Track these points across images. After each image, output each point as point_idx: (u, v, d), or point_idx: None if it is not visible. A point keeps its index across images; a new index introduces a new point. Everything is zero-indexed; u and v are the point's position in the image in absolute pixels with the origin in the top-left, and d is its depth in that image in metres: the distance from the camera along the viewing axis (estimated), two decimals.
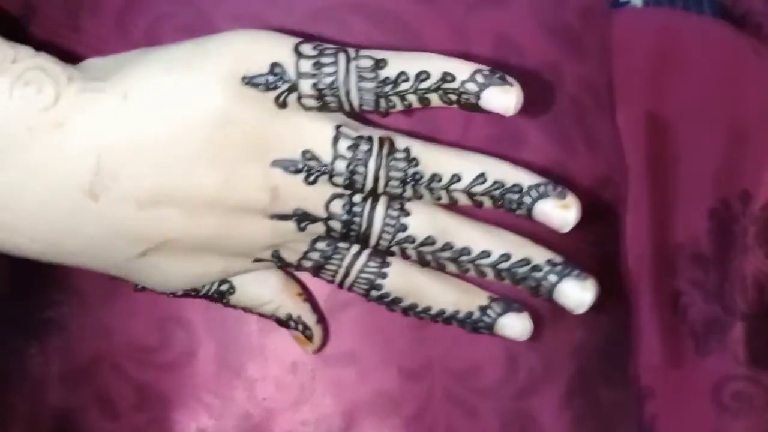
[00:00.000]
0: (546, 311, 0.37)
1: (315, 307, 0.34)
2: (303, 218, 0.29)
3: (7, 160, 0.27)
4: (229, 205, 0.28)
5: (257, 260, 0.31)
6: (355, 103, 0.28)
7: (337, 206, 0.29)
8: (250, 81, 0.28)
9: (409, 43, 0.36)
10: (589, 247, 0.39)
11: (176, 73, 0.28)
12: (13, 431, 0.37)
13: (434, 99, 0.28)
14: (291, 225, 0.29)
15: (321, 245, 0.30)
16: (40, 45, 0.38)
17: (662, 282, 0.46)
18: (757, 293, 0.47)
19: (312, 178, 0.28)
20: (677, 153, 0.47)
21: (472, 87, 0.27)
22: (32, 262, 0.36)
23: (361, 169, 0.28)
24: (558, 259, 0.30)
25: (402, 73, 0.28)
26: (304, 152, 0.28)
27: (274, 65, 0.28)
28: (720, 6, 0.51)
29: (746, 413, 0.46)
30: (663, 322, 0.46)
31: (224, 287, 0.32)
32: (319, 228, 0.29)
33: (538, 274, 0.29)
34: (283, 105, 0.28)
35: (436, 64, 0.28)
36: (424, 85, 0.28)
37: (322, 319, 0.34)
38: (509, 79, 0.28)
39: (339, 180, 0.28)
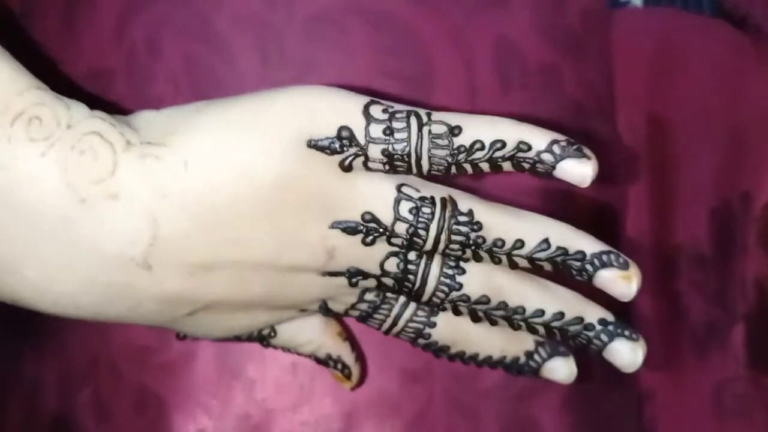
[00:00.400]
0: None
1: (354, 346, 0.34)
2: (355, 275, 0.28)
3: (56, 234, 0.25)
4: (282, 266, 0.28)
5: (303, 311, 0.31)
6: (425, 168, 0.27)
7: (391, 265, 0.28)
8: (315, 145, 0.26)
9: (409, 45, 0.36)
10: None
11: (238, 136, 0.26)
12: None
13: (507, 166, 0.27)
14: (342, 281, 0.29)
15: (370, 296, 0.30)
16: (38, 47, 0.38)
17: (663, 283, 0.46)
18: (757, 295, 0.47)
19: (370, 239, 0.27)
20: (677, 153, 0.47)
21: (548, 158, 0.26)
22: None
23: (422, 233, 0.27)
24: (610, 317, 0.29)
25: (477, 141, 0.27)
26: (364, 214, 0.27)
27: (342, 129, 0.26)
28: (720, 7, 0.51)
29: (747, 415, 0.46)
30: (663, 324, 0.46)
31: (266, 332, 0.32)
32: (370, 283, 0.29)
33: (590, 334, 0.29)
34: (348, 169, 0.27)
35: (512, 132, 0.27)
36: (499, 153, 0.27)
37: (360, 357, 0.34)
38: (586, 151, 0.27)
39: (397, 242, 0.28)
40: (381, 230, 0.27)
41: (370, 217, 0.27)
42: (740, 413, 0.46)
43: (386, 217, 0.27)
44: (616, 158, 0.44)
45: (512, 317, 0.29)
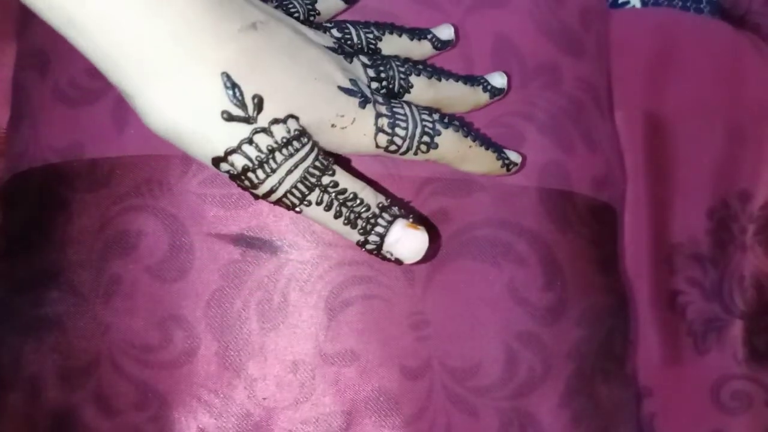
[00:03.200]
0: (546, 311, 0.37)
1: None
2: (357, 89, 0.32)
3: None
4: (314, 57, 0.31)
5: (342, 89, 0.32)
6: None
7: (364, 58, 0.34)
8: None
9: None
10: (589, 247, 0.39)
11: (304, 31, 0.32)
12: (9, 430, 0.37)
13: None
14: (358, 63, 0.33)
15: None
16: (39, 46, 0.38)
17: (661, 281, 0.46)
18: (756, 292, 0.47)
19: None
20: (676, 153, 0.47)
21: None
22: (29, 259, 0.37)
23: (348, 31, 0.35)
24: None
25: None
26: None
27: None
28: (719, 6, 0.51)
29: (745, 411, 0.46)
30: (662, 321, 0.46)
31: (328, 159, 0.31)
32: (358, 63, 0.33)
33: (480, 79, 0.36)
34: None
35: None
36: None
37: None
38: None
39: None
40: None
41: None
42: (739, 409, 0.46)
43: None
44: (614, 157, 0.44)
45: (439, 74, 0.35)
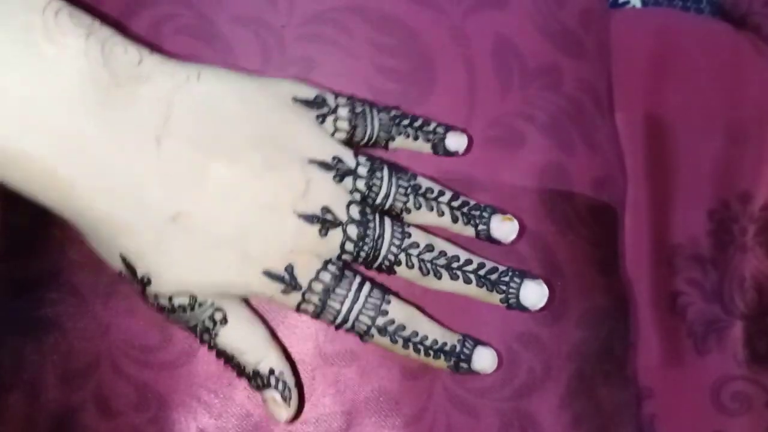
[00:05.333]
0: (546, 311, 0.37)
1: (295, 372, 0.34)
2: (326, 220, 0.31)
3: (93, 104, 0.29)
4: (261, 192, 0.30)
5: (268, 273, 0.31)
6: (376, 130, 0.35)
7: (355, 211, 0.32)
8: (299, 100, 0.33)
9: (408, 45, 0.36)
10: (589, 248, 0.39)
11: (244, 77, 0.32)
12: (9, 430, 0.36)
13: (420, 137, 0.36)
14: (313, 231, 0.31)
15: (332, 267, 0.32)
16: None
17: (661, 282, 0.46)
18: (756, 293, 0.47)
19: (339, 178, 0.32)
20: (676, 153, 0.47)
21: (440, 130, 0.36)
22: (29, 260, 0.36)
23: (378, 174, 0.33)
24: (513, 267, 0.34)
25: (403, 113, 0.36)
26: (334, 157, 0.32)
27: (318, 95, 0.34)
28: (719, 7, 0.51)
29: (746, 413, 0.46)
30: (662, 322, 0.46)
31: (218, 316, 0.32)
32: (336, 238, 0.32)
33: (507, 278, 0.33)
34: (321, 122, 0.33)
35: (415, 115, 0.36)
36: (416, 123, 0.36)
37: (299, 385, 0.34)
38: (460, 130, 0.36)
39: (361, 184, 0.33)
40: (347, 169, 0.32)
41: (338, 161, 0.32)
42: (739, 410, 0.46)
43: (350, 162, 0.33)
44: (614, 157, 0.44)
45: (451, 266, 0.33)
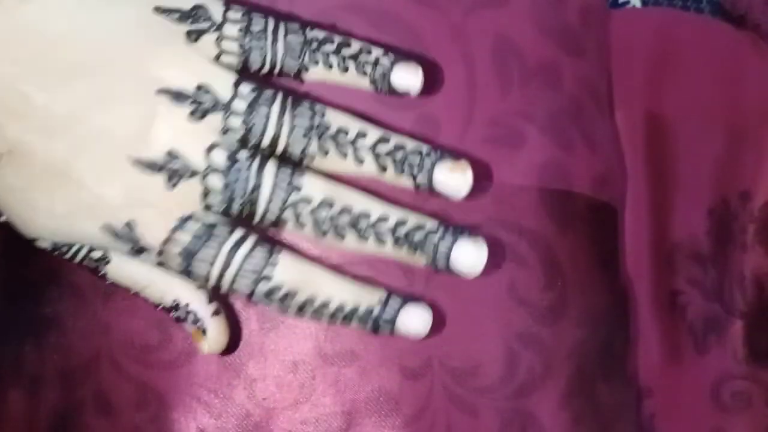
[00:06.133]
0: (546, 311, 0.37)
1: (216, 296, 0.30)
2: (173, 168, 0.26)
3: None
4: (91, 127, 0.26)
5: (108, 229, 0.27)
6: (280, 53, 0.27)
7: (219, 156, 0.26)
8: (163, 10, 0.27)
9: (408, 44, 0.36)
10: (589, 247, 0.39)
11: None
12: (9, 429, 0.36)
13: (351, 68, 0.28)
14: (158, 180, 0.26)
15: (193, 225, 0.26)
16: None
17: (661, 281, 0.46)
18: (756, 291, 0.47)
19: (200, 114, 0.26)
20: (676, 152, 0.47)
21: (385, 61, 0.28)
22: (29, 258, 0.36)
23: (263, 109, 0.26)
24: (447, 223, 0.28)
25: (327, 37, 0.28)
26: (200, 86, 0.26)
27: (196, 6, 0.27)
28: (719, 6, 0.51)
29: (746, 411, 0.46)
30: (662, 321, 0.46)
31: (96, 254, 0.28)
32: (193, 191, 0.26)
33: (435, 237, 0.27)
34: (195, 40, 0.27)
35: (354, 40, 0.29)
36: (346, 51, 0.28)
37: (225, 309, 0.30)
38: (414, 63, 0.28)
39: (236, 122, 0.26)
40: (214, 104, 0.26)
41: (205, 90, 0.26)
42: (739, 409, 0.46)
43: (223, 93, 0.26)
44: (614, 156, 0.44)
45: (358, 225, 0.27)
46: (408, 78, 0.28)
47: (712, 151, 0.47)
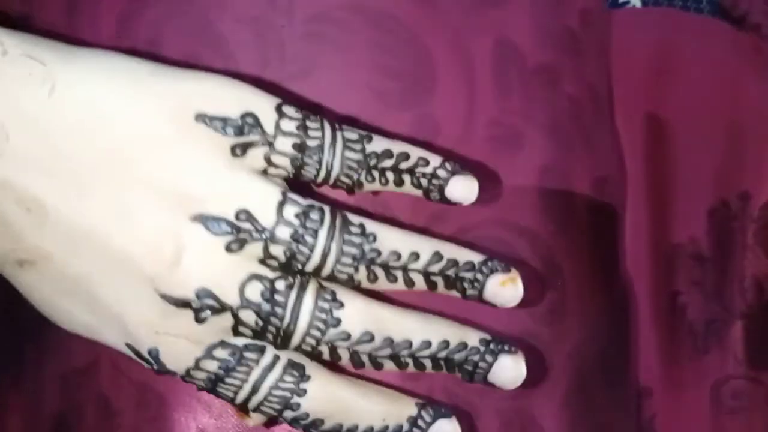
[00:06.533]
0: (546, 311, 0.37)
1: None
2: (204, 306, 0.24)
3: None
4: (114, 249, 0.24)
5: (130, 348, 0.26)
6: (335, 172, 0.26)
7: (254, 291, 0.24)
8: (205, 119, 0.24)
9: (409, 44, 0.36)
10: (589, 247, 0.39)
11: (123, 84, 0.24)
12: (9, 431, 0.36)
13: (407, 180, 0.27)
14: (186, 315, 0.24)
15: (221, 353, 0.25)
16: None
17: (661, 282, 0.46)
18: (756, 292, 0.47)
19: (238, 245, 0.24)
20: (676, 153, 0.47)
21: (442, 173, 0.27)
22: None
23: (309, 239, 0.24)
24: (489, 336, 0.28)
25: (387, 150, 0.27)
26: (240, 212, 0.24)
27: (246, 114, 0.24)
28: (719, 6, 0.51)
29: (746, 412, 0.46)
30: (662, 322, 0.46)
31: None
32: (224, 322, 0.25)
33: (476, 357, 0.27)
34: (240, 154, 0.24)
35: (413, 150, 0.27)
36: (404, 165, 0.27)
37: None
38: (470, 174, 0.28)
39: (278, 251, 0.24)
40: (255, 234, 0.24)
41: (245, 217, 0.24)
42: (739, 411, 0.46)
43: (267, 219, 0.24)
44: (614, 157, 0.44)
45: (399, 354, 0.26)
46: (464, 192, 0.27)
47: (712, 151, 0.47)
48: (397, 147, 0.27)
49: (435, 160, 0.27)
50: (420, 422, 0.27)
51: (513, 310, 0.33)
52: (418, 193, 0.27)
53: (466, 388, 0.35)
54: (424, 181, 0.26)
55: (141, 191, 0.23)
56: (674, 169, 0.47)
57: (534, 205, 0.37)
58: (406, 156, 0.27)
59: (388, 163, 0.26)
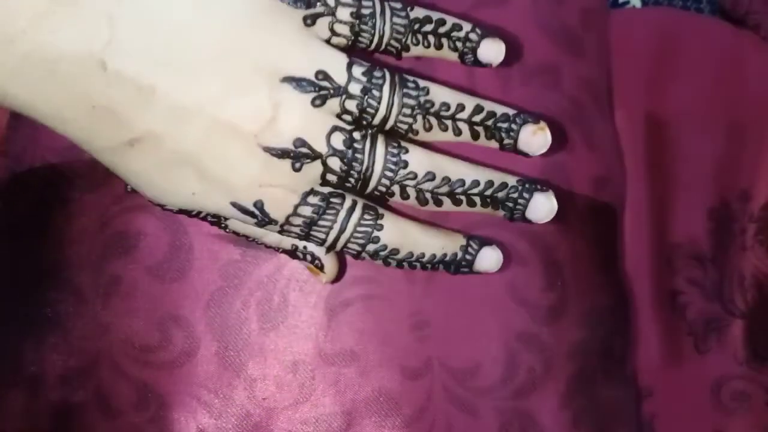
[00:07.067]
0: (546, 311, 0.37)
1: None
2: (300, 154, 0.28)
3: (23, 28, 0.26)
4: (221, 116, 0.27)
5: (236, 205, 0.29)
6: (386, 36, 0.30)
7: (338, 140, 0.29)
8: None
9: None
10: (589, 247, 0.39)
11: None
12: (9, 430, 0.36)
13: (445, 44, 0.30)
14: (285, 165, 0.28)
15: (314, 199, 0.29)
16: None
17: (661, 281, 0.46)
18: (756, 292, 0.47)
19: (320, 100, 0.28)
20: (676, 153, 0.47)
21: (474, 36, 0.30)
22: (30, 259, 0.36)
23: (376, 93, 0.29)
24: (523, 178, 0.32)
25: (427, 16, 0.30)
26: (318, 72, 0.28)
27: None
28: (719, 6, 0.51)
29: (745, 412, 0.46)
30: (662, 321, 0.46)
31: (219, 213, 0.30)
32: (315, 171, 0.29)
33: (515, 194, 0.31)
34: (311, 24, 0.29)
35: (447, 16, 0.31)
36: (442, 29, 0.30)
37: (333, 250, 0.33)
38: (498, 38, 0.31)
39: (351, 105, 0.29)
40: (333, 90, 0.28)
41: (323, 76, 0.28)
42: (739, 409, 0.46)
43: (340, 77, 0.28)
44: (614, 157, 0.44)
45: (455, 191, 0.30)
46: (492, 52, 0.30)
47: (712, 151, 0.47)
48: (435, 14, 0.30)
49: (467, 25, 0.31)
50: (470, 249, 0.31)
51: (513, 310, 0.33)
52: (454, 56, 0.31)
53: (466, 388, 0.35)
54: (459, 44, 0.30)
55: (237, 63, 0.27)
56: (674, 169, 0.47)
57: None
58: (442, 21, 0.30)
59: (428, 27, 0.30)
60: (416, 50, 0.31)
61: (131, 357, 0.34)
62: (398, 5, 0.30)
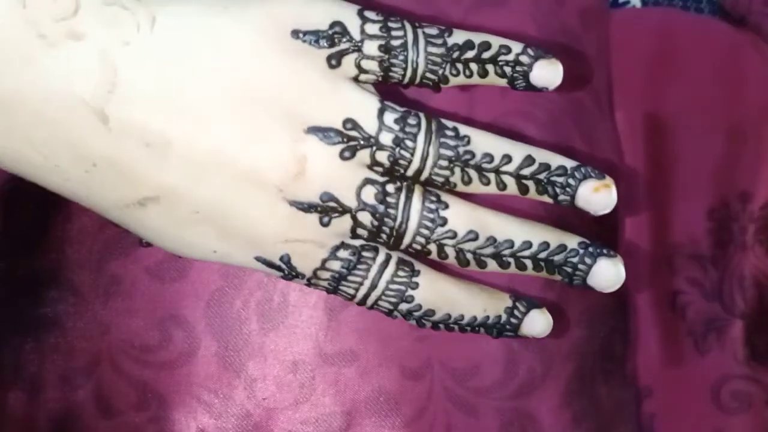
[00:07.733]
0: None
1: None
2: (328, 208, 0.26)
3: (12, 70, 0.24)
4: (242, 168, 0.25)
5: (261, 260, 0.28)
6: (421, 68, 0.27)
7: (369, 194, 0.26)
8: (301, 34, 0.25)
9: None
10: None
11: (214, 12, 0.25)
12: (9, 430, 0.37)
13: (491, 71, 0.27)
14: (312, 219, 0.26)
15: (343, 254, 0.27)
16: None
17: (661, 281, 0.46)
18: (756, 292, 0.47)
19: (350, 152, 0.26)
20: (676, 153, 0.47)
21: (525, 59, 0.27)
22: (29, 259, 0.36)
23: (409, 143, 0.26)
24: (588, 241, 0.28)
25: (468, 40, 0.27)
26: (346, 121, 0.26)
27: (334, 23, 0.26)
28: (719, 6, 0.51)
29: (745, 412, 0.46)
30: (662, 321, 0.46)
31: None
32: (344, 225, 0.27)
33: (575, 259, 0.27)
34: (336, 65, 0.26)
35: (493, 39, 0.27)
36: (486, 54, 0.27)
37: None
38: (553, 58, 0.28)
39: (383, 156, 0.26)
40: (363, 141, 0.26)
41: (351, 125, 0.26)
42: (739, 409, 0.46)
43: (370, 126, 0.26)
44: (614, 157, 0.44)
45: (501, 254, 0.27)
46: (549, 77, 0.27)
47: (711, 151, 0.47)
48: (478, 37, 0.27)
49: (516, 47, 0.27)
50: (516, 312, 0.29)
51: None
52: (503, 82, 0.27)
53: (466, 388, 0.35)
54: (507, 69, 0.27)
55: (257, 111, 0.25)
56: (674, 169, 0.47)
57: (533, 205, 0.37)
58: (487, 45, 0.27)
59: (470, 54, 0.27)
60: (457, 80, 0.27)
61: (131, 357, 0.34)
62: (434, 31, 0.27)
